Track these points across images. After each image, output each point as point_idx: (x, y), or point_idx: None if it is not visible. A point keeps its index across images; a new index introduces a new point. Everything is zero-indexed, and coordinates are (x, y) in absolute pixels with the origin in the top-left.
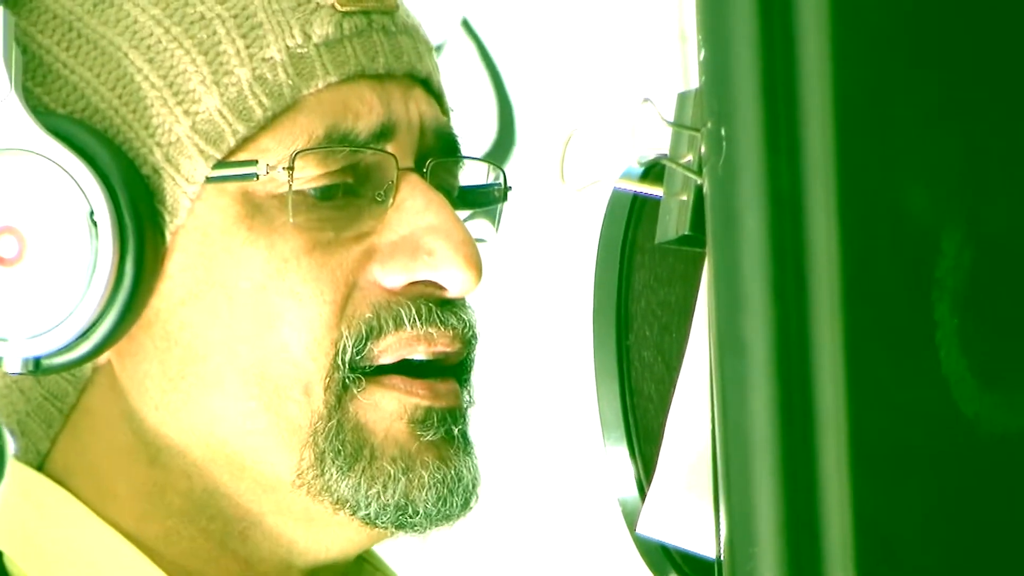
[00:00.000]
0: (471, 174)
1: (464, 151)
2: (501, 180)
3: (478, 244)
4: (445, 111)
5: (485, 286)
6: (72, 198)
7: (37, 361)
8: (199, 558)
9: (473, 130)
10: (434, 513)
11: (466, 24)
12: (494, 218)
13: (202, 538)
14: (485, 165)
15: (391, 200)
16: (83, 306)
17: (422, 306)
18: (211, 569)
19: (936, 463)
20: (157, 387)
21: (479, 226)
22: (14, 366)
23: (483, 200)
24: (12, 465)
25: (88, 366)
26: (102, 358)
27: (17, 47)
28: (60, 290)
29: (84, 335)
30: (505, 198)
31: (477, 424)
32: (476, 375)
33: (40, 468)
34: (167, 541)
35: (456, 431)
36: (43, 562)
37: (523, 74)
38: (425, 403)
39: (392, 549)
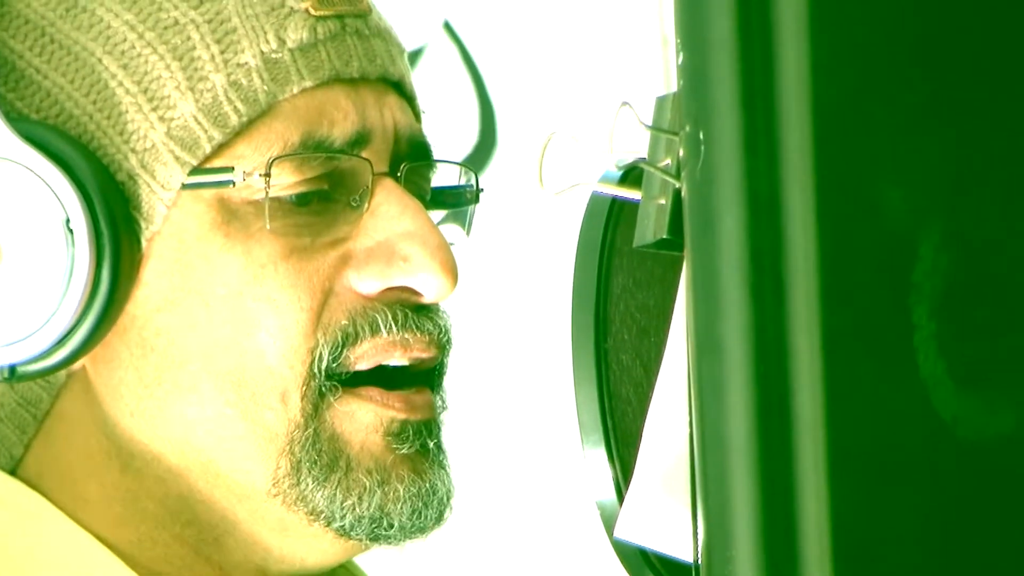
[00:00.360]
0: (443, 175)
1: (437, 154)
2: (473, 182)
3: (452, 248)
4: (417, 114)
5: (465, 289)
6: (47, 205)
7: (12, 368)
8: (174, 564)
9: (454, 133)
10: (408, 526)
11: (448, 27)
12: (465, 221)
13: (177, 544)
14: (458, 167)
15: (366, 205)
16: (59, 313)
17: (398, 312)
18: (186, 575)
19: (914, 466)
20: (132, 394)
21: (452, 230)
22: None
23: (455, 201)
24: None
25: (62, 372)
26: (77, 364)
27: None
28: (36, 297)
29: (60, 342)
30: (477, 200)
31: (456, 427)
32: (455, 378)
33: (13, 473)
34: (141, 547)
35: (431, 444)
36: (17, 566)
37: (505, 77)
38: (401, 416)
39: (373, 556)
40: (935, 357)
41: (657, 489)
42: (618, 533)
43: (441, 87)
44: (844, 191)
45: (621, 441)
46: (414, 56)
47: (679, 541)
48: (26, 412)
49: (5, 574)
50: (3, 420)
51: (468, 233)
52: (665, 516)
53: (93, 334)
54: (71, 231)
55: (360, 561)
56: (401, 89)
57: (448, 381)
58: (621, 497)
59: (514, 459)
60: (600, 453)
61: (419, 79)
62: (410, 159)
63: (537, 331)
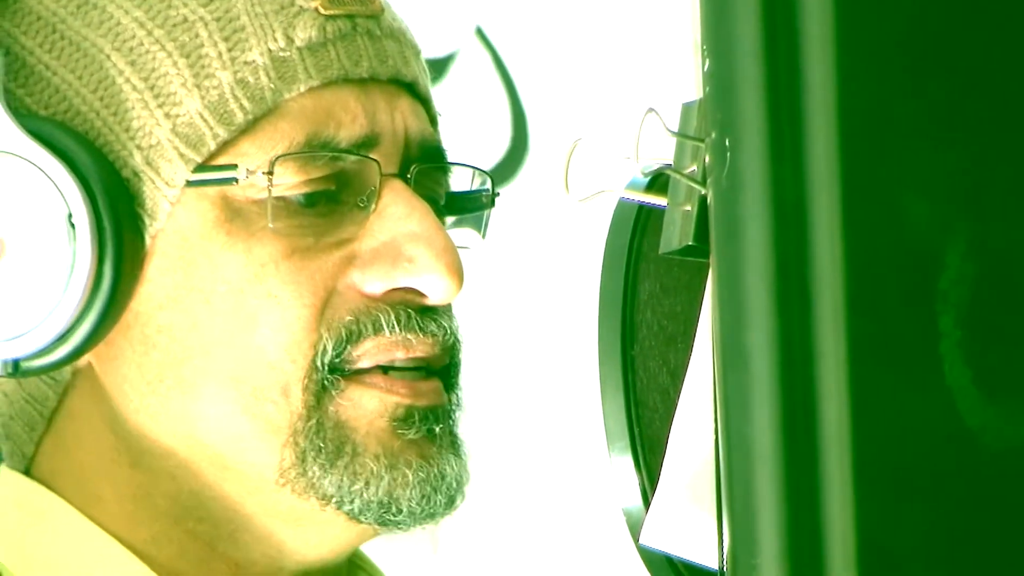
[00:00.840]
0: (461, 179)
1: (453, 158)
2: (488, 185)
3: (462, 251)
4: (432, 116)
5: (497, 295)
6: (51, 200)
7: (16, 363)
8: (189, 561)
9: (486, 139)
10: (418, 512)
11: (480, 32)
12: (480, 225)
13: (191, 540)
14: (472, 171)
15: (373, 206)
16: (61, 308)
17: (401, 312)
18: (201, 572)
19: (940, 475)
20: (137, 390)
21: (467, 234)
22: None
23: (472, 205)
24: (0, 471)
25: (68, 369)
26: (82, 361)
27: (0, 48)
28: (39, 292)
29: (63, 338)
30: (493, 204)
31: (484, 433)
32: (482, 385)
33: (27, 472)
34: (156, 544)
35: (438, 429)
36: (35, 566)
37: (537, 83)
38: (406, 401)
39: (401, 559)
40: (961, 365)
41: (683, 496)
42: (644, 540)
43: (473, 93)
44: (870, 198)
45: (647, 448)
46: (446, 62)
47: (705, 548)
48: (33, 409)
49: (25, 574)
50: (13, 418)
51: (484, 236)
52: (691, 523)
53: (95, 330)
54: (73, 226)
55: (385, 565)
56: (415, 91)
57: (475, 387)
58: (647, 504)
59: (540, 466)
60: (627, 460)
61: (451, 85)
62: (421, 162)
63: (564, 338)
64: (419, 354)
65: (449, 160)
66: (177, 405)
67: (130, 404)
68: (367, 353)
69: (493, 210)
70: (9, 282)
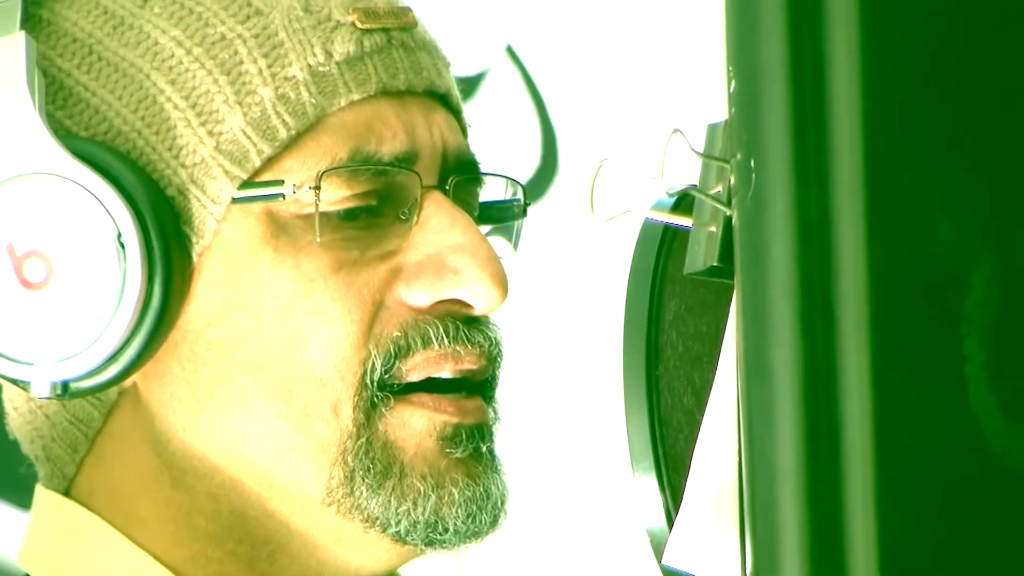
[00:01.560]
0: (490, 190)
1: (484, 169)
2: (520, 195)
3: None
4: (464, 127)
5: (523, 314)
6: (99, 221)
7: (65, 385)
8: None
9: (516, 157)
10: (464, 530)
11: (511, 51)
12: (511, 235)
13: (230, 561)
14: (504, 181)
15: (415, 218)
16: (111, 329)
17: (449, 324)
18: None
19: (963, 497)
20: (185, 408)
21: (499, 243)
22: (42, 390)
23: (503, 215)
24: (39, 492)
25: (114, 389)
26: (128, 381)
27: (38, 71)
28: (88, 313)
29: (112, 358)
30: (524, 214)
31: (507, 452)
32: (508, 403)
33: (66, 493)
34: (195, 564)
35: (484, 448)
36: None
37: (567, 102)
38: (454, 420)
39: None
40: (985, 388)
41: (706, 516)
42: (667, 560)
43: (503, 112)
44: (895, 220)
45: (671, 468)
46: (476, 80)
47: (727, 569)
48: (78, 431)
49: None
50: (55, 440)
51: (515, 247)
52: (714, 543)
53: (145, 349)
54: (123, 246)
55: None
56: (447, 102)
57: (500, 406)
58: (671, 524)
59: (564, 485)
60: (650, 480)
61: (481, 103)
62: (457, 173)
63: (590, 357)
64: (467, 366)
65: (484, 171)
66: (226, 422)
67: (177, 422)
68: (416, 367)
69: (524, 220)
70: (57, 304)
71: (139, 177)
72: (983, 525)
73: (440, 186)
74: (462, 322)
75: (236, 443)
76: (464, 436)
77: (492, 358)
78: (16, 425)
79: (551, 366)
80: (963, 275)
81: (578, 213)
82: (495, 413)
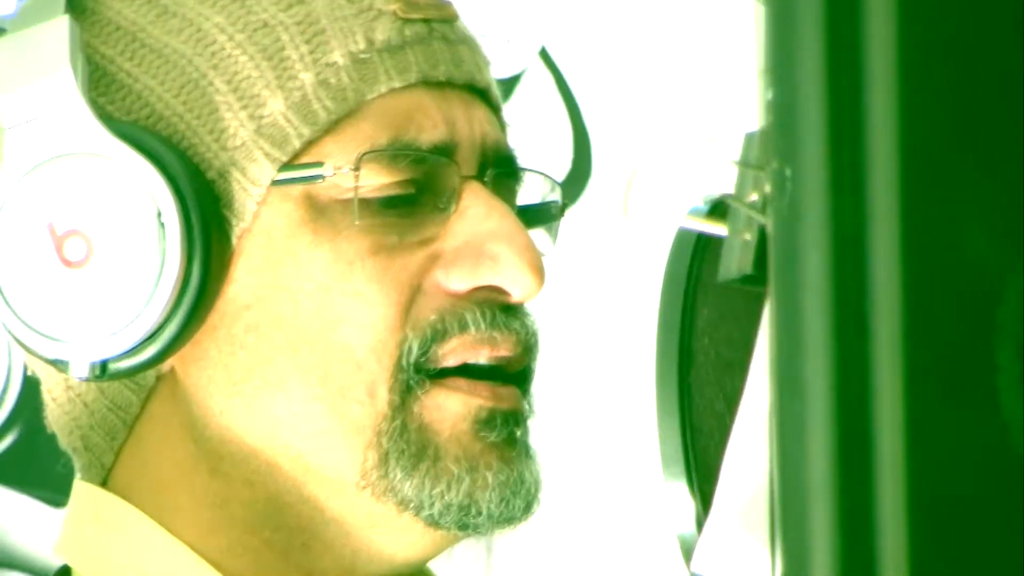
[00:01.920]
0: (528, 194)
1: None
2: (559, 196)
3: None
4: (503, 124)
5: (552, 317)
6: (139, 200)
7: (104, 365)
8: (264, 571)
9: (549, 161)
10: (497, 515)
11: (544, 54)
12: (551, 232)
13: (266, 550)
14: (541, 180)
15: (454, 207)
16: (150, 308)
17: (486, 310)
18: None
19: (996, 508)
20: (221, 392)
21: (540, 236)
22: (81, 370)
23: (541, 217)
24: (77, 485)
25: (151, 374)
26: (165, 365)
27: (81, 57)
28: (127, 293)
29: (151, 338)
30: (563, 215)
31: (538, 450)
32: (540, 404)
33: (104, 483)
34: (232, 553)
35: (518, 434)
36: None
37: (601, 105)
38: (489, 404)
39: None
40: (1018, 400)
41: (735, 523)
42: (695, 567)
43: (537, 115)
44: (929, 230)
45: (702, 474)
46: (511, 83)
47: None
48: (116, 417)
49: None
50: (94, 428)
51: (554, 243)
52: (743, 551)
53: (184, 330)
54: (163, 225)
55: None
56: (487, 98)
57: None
58: (701, 530)
59: (594, 490)
60: (681, 486)
61: (515, 106)
62: (496, 167)
63: (623, 362)
64: (503, 352)
65: (522, 166)
66: (263, 404)
67: (214, 406)
68: (453, 351)
69: (562, 221)
70: (97, 283)
71: (180, 159)
72: (1015, 537)
73: (479, 177)
74: (499, 309)
75: (272, 427)
76: (499, 421)
77: (528, 347)
78: (54, 417)
79: (583, 369)
80: (997, 285)
81: (611, 217)
82: (529, 406)
